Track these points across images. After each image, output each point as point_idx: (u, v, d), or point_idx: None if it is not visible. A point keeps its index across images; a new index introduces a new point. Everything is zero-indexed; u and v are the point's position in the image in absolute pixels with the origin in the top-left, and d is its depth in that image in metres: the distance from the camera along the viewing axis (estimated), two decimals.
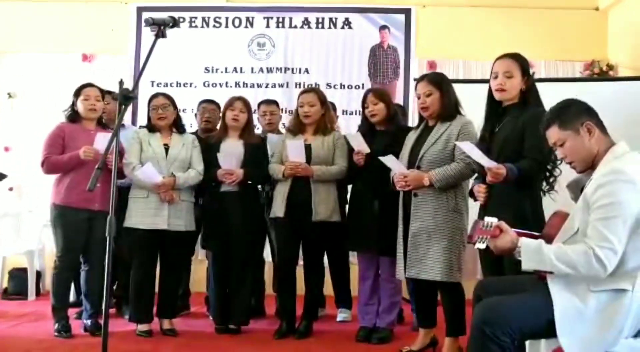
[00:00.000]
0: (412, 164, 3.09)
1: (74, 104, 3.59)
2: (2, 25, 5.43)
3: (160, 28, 2.36)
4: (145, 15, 5.36)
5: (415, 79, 3.75)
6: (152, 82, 5.27)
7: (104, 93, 3.68)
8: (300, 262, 3.67)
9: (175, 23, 2.40)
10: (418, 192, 3.03)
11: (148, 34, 5.25)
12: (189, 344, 3.42)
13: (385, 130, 3.49)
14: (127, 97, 2.12)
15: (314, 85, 4.87)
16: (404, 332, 3.65)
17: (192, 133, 3.93)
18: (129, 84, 5.13)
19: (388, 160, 3.10)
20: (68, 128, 3.57)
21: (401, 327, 3.75)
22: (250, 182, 3.63)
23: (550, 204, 2.56)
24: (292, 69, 5.37)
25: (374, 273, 3.54)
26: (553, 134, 2.06)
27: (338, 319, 4.06)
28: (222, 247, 3.59)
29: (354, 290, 3.92)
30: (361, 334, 3.48)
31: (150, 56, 2.31)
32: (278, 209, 3.54)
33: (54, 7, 5.45)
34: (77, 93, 3.58)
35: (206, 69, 5.38)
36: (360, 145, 3.37)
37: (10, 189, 5.21)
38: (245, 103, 3.69)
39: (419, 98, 3.13)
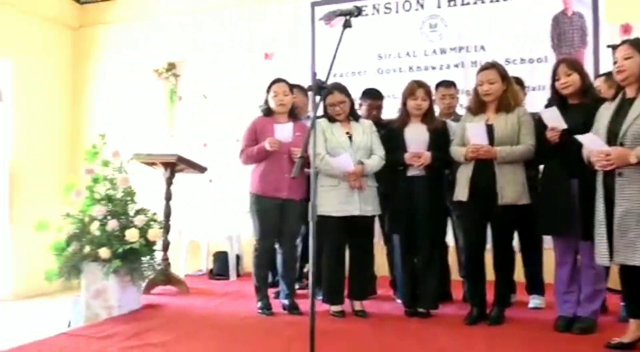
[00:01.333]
0: (611, 140, 2.82)
1: (267, 100, 3.84)
2: (193, 35, 6.01)
3: (347, 18, 2.43)
4: (318, 10, 5.58)
5: (609, 46, 3.41)
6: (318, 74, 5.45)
7: (292, 87, 3.89)
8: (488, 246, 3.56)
9: (359, 12, 2.47)
10: (623, 171, 2.76)
11: (322, 27, 5.54)
12: (381, 325, 3.50)
13: (579, 103, 3.21)
14: (321, 88, 2.21)
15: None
16: (609, 323, 3.35)
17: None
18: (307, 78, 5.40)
19: (586, 138, 2.86)
20: (261, 122, 3.83)
21: (604, 317, 3.45)
22: (436, 165, 3.59)
23: None
24: (467, 48, 5.19)
25: (572, 259, 3.29)
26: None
27: (530, 305, 3.86)
28: (409, 231, 3.61)
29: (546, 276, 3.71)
30: (560, 323, 3.27)
31: (339, 47, 2.39)
32: (461, 193, 3.45)
33: (234, 13, 5.88)
34: (268, 89, 3.83)
35: (379, 56, 5.43)
36: (556, 121, 3.14)
37: (210, 181, 5.76)
38: (427, 91, 3.65)
39: (615, 64, 2.88)
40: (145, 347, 3.04)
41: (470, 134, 3.38)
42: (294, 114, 3.88)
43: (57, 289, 5.72)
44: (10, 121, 5.83)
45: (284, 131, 3.61)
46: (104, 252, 3.65)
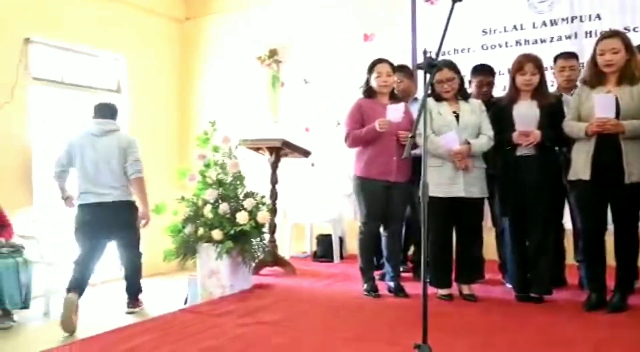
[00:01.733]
0: None
1: (368, 80, 3.81)
2: (293, 21, 6.08)
3: None
4: None
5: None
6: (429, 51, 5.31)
7: (394, 68, 3.83)
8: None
9: None
10: None
11: (422, 6, 5.40)
12: (492, 309, 3.40)
13: None
14: (431, 65, 2.15)
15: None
16: None
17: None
18: (407, 59, 5.31)
19: None
20: (365, 103, 3.81)
21: None
22: (547, 144, 3.41)
23: None
24: (580, 17, 4.84)
25: None
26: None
27: None
28: (520, 213, 3.47)
29: None
30: None
31: (449, 22, 2.29)
32: (581, 170, 3.24)
33: None
34: (370, 70, 3.79)
35: (483, 31, 5.21)
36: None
37: (312, 165, 5.85)
38: (537, 64, 3.45)
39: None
40: (258, 325, 3.15)
41: (597, 106, 3.15)
42: (394, 95, 3.82)
43: (172, 269, 6.10)
44: (126, 112, 6.22)
45: (396, 112, 3.56)
46: (217, 234, 3.82)
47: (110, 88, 6.17)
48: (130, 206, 4.34)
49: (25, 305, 4.31)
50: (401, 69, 4.13)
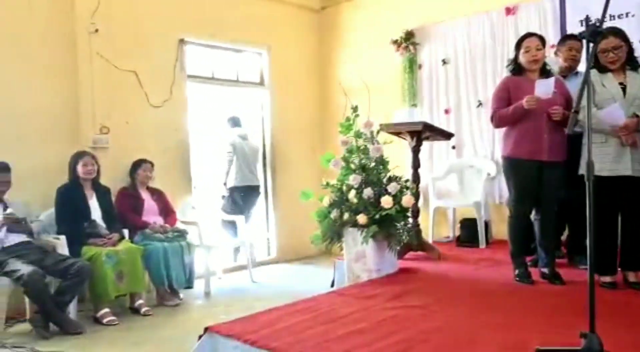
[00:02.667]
0: None
1: (516, 57, 3.61)
2: (427, 3, 5.92)
3: None
4: None
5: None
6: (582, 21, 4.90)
7: (544, 41, 3.60)
8: None
9: None
10: None
11: None
12: None
13: None
14: (596, 33, 1.97)
15: None
16: None
17: None
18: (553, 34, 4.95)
19: None
20: (512, 81, 3.62)
21: None
22: None
23: None
24: None
25: None
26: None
27: None
28: None
29: None
30: None
31: None
32: None
33: None
34: (518, 45, 3.59)
35: None
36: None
37: (453, 148, 5.69)
38: None
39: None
40: (407, 309, 3.14)
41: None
42: (545, 71, 3.58)
43: (315, 253, 6.34)
44: (270, 104, 6.51)
45: (545, 87, 3.34)
46: (362, 218, 3.87)
47: (254, 81, 6.49)
48: None
49: (189, 285, 4.73)
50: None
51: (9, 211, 4.03)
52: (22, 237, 4.07)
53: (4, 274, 3.79)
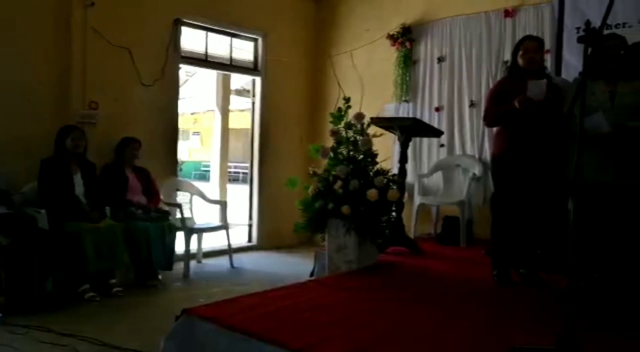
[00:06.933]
0: None
1: (514, 59, 3.61)
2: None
3: None
4: None
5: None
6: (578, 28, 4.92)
7: (543, 45, 3.61)
8: None
9: None
10: None
11: None
12: None
13: None
14: (596, 39, 1.95)
15: None
16: None
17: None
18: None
19: None
20: (507, 82, 3.63)
21: None
22: None
23: None
24: None
25: None
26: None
27: None
28: None
29: None
30: None
31: None
32: None
33: None
34: (517, 47, 3.59)
35: None
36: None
37: (442, 146, 5.71)
38: None
39: None
40: (384, 301, 3.16)
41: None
42: (544, 74, 3.59)
43: (296, 243, 6.35)
44: (261, 91, 6.47)
45: (538, 88, 3.35)
46: (346, 209, 3.87)
47: (248, 66, 6.44)
48: None
49: (168, 266, 4.70)
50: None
51: None
52: (2, 209, 4.02)
53: None
